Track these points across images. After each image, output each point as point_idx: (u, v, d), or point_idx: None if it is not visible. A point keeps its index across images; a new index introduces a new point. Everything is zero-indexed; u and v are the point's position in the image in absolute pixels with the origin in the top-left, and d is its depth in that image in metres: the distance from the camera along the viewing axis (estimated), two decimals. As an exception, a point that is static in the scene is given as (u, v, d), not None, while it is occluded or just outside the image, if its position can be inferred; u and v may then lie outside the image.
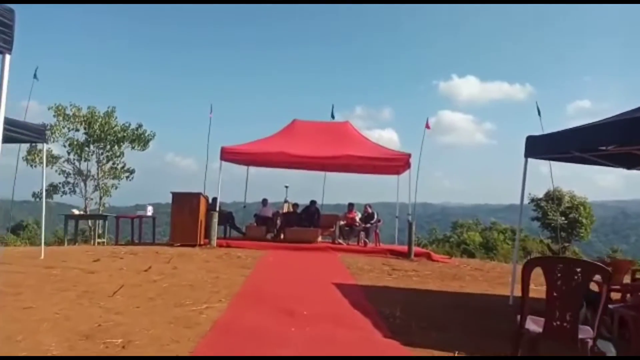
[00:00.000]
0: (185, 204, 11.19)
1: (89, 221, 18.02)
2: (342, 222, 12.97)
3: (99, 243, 11.78)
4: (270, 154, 11.81)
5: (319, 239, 12.39)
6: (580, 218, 20.46)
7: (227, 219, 13.09)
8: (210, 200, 12.20)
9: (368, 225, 12.53)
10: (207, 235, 11.34)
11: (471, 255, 25.63)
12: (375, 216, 12.73)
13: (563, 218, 19.72)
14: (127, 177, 20.05)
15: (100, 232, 16.29)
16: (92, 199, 20.38)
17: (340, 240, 12.38)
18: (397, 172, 14.03)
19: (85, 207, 19.58)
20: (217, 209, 11.58)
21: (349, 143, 12.25)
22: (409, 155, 11.42)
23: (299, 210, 13.20)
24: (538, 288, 3.50)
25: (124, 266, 7.53)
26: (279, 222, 13.10)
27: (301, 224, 12.50)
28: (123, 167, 19.65)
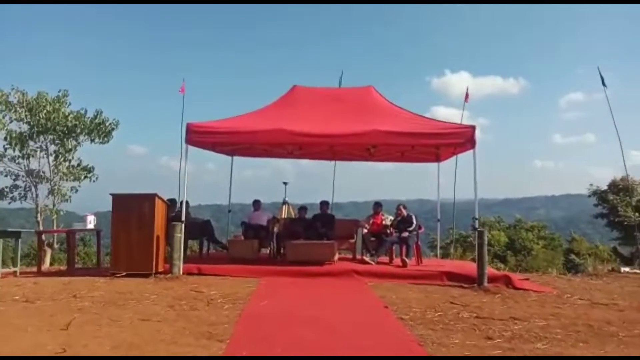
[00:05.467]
0: (132, 213, 7.35)
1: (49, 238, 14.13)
2: (365, 230, 9.17)
3: (3, 274, 7.87)
4: (260, 132, 7.81)
5: (336, 257, 8.57)
6: (659, 214, 16.55)
7: (202, 230, 9.25)
8: (179, 205, 8.32)
9: (405, 234, 8.67)
10: (170, 257, 7.52)
11: (503, 260, 21.94)
12: (414, 221, 8.90)
13: (638, 214, 15.85)
14: (87, 176, 16.06)
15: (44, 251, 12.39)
16: (46, 206, 16.53)
17: (366, 257, 8.57)
18: (437, 159, 10.25)
19: (37, 215, 15.74)
20: (183, 217, 7.72)
21: (377, 115, 8.30)
22: (474, 128, 7.47)
23: (307, 216, 9.38)
24: None
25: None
26: (276, 232, 9.32)
27: (309, 235, 8.68)
28: (79, 165, 15.67)
